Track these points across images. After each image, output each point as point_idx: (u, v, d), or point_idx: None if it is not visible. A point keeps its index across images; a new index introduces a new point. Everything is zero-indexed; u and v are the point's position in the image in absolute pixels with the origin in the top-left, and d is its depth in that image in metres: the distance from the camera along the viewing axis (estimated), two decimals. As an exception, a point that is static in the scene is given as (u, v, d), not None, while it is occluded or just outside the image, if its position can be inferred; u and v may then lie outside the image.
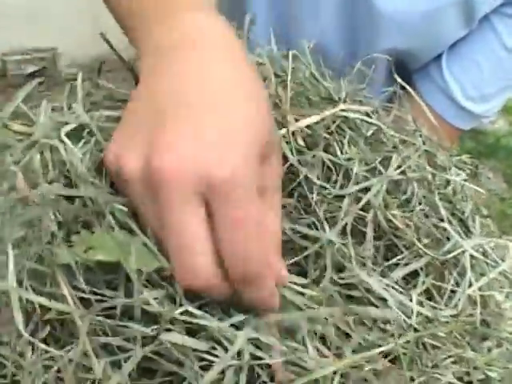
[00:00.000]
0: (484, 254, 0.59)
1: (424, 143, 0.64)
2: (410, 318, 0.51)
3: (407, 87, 0.71)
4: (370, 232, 0.54)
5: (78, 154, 0.47)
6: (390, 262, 0.55)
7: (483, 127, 3.05)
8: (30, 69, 3.09)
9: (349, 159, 0.57)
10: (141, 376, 0.44)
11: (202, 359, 0.43)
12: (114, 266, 0.43)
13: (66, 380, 0.42)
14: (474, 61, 0.95)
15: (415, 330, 0.50)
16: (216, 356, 0.43)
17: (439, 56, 0.96)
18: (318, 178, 0.54)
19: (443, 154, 0.66)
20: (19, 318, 0.42)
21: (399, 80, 0.70)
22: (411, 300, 0.52)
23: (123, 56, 0.56)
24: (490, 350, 0.55)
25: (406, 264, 0.55)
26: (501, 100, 0.99)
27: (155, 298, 0.43)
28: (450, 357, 0.51)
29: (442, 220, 0.60)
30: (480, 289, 0.57)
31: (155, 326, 0.42)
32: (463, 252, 0.57)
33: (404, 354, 0.48)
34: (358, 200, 0.55)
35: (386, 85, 0.75)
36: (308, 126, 0.57)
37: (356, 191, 0.55)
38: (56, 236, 0.43)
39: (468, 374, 0.51)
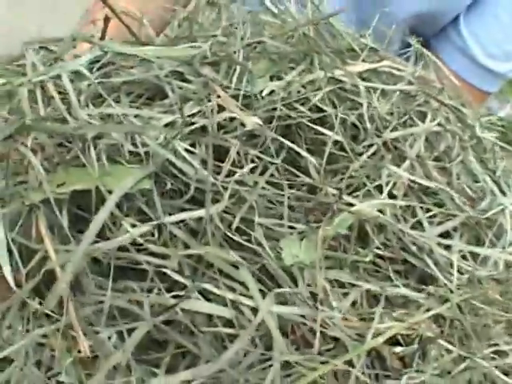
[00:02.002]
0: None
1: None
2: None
3: (425, 51, 0.67)
4: (401, 192, 0.50)
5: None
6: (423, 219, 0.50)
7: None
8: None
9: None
10: (149, 348, 0.40)
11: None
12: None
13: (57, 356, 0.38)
14: (493, 15, 0.88)
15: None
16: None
17: (457, 17, 0.91)
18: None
19: (471, 113, 0.62)
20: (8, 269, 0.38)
21: (417, 45, 0.66)
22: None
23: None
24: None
25: (440, 223, 0.51)
26: None
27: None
28: (499, 322, 0.47)
29: (475, 179, 0.56)
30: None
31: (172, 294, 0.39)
32: (502, 210, 0.53)
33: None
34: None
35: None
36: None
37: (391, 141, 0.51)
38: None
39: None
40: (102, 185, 0.39)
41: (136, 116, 0.45)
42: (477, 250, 0.50)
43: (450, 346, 0.43)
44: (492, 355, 0.45)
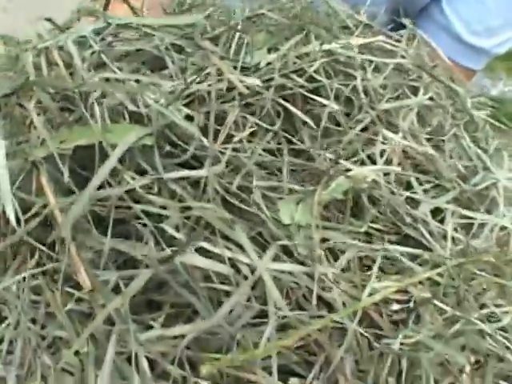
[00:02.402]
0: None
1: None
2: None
3: (419, 32, 0.68)
4: (395, 159, 0.51)
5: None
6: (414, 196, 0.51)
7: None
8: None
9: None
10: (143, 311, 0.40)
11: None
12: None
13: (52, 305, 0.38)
14: None
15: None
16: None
17: None
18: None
19: (463, 91, 0.63)
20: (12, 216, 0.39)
21: (411, 26, 0.67)
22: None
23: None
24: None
25: (433, 197, 0.52)
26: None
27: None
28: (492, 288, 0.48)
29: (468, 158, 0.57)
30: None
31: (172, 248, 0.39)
32: (494, 184, 0.54)
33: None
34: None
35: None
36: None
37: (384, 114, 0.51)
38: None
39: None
40: (104, 140, 0.39)
41: (137, 81, 0.45)
42: (471, 214, 0.51)
43: (444, 306, 0.43)
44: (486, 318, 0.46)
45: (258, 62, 0.51)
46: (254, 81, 0.46)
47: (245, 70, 0.50)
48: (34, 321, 0.39)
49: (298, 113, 0.48)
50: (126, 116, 0.43)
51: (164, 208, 0.40)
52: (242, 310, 0.39)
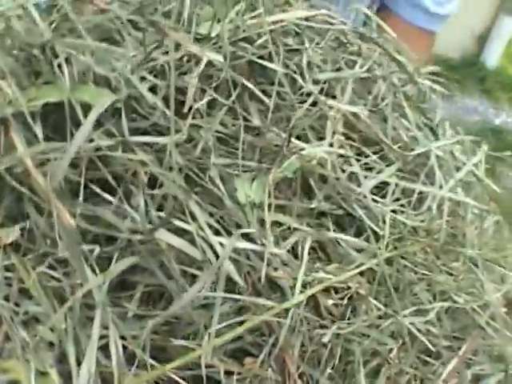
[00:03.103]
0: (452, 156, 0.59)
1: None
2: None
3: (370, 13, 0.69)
4: (340, 127, 0.52)
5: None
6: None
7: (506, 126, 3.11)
8: None
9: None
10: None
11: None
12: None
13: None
14: None
15: (387, 245, 0.49)
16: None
17: None
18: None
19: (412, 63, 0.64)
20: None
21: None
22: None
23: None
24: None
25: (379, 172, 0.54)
26: None
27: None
28: (422, 280, 0.51)
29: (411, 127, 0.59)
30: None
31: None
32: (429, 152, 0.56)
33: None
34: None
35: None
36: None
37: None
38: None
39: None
40: (74, 99, 0.39)
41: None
42: (413, 186, 0.53)
43: (378, 304, 0.47)
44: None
45: (208, 32, 0.51)
46: (217, 57, 0.46)
47: (197, 41, 0.50)
48: (6, 298, 0.39)
49: (253, 88, 0.49)
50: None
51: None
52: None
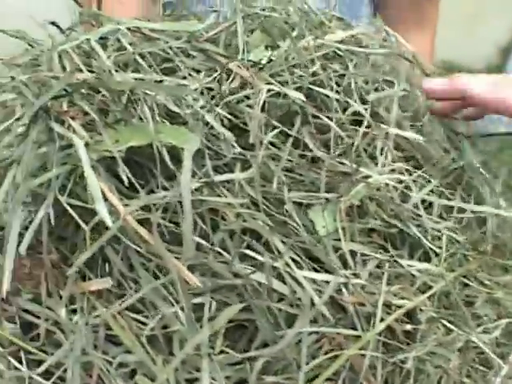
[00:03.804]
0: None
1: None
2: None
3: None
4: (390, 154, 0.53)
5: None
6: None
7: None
8: None
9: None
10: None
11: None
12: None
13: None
14: None
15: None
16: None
17: None
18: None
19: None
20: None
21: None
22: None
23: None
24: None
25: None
26: None
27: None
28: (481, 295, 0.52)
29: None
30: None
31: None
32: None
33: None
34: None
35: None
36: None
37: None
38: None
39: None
40: (158, 141, 0.39)
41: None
42: (465, 206, 0.54)
43: (451, 326, 0.47)
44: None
45: (259, 59, 0.52)
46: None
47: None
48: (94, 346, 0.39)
49: (324, 117, 0.50)
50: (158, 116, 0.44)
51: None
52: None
